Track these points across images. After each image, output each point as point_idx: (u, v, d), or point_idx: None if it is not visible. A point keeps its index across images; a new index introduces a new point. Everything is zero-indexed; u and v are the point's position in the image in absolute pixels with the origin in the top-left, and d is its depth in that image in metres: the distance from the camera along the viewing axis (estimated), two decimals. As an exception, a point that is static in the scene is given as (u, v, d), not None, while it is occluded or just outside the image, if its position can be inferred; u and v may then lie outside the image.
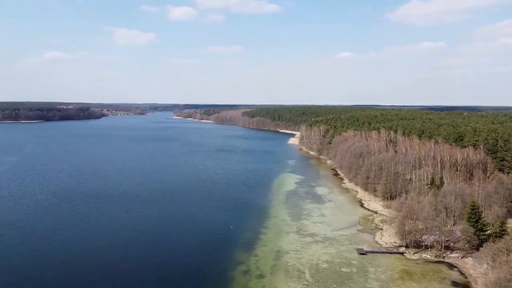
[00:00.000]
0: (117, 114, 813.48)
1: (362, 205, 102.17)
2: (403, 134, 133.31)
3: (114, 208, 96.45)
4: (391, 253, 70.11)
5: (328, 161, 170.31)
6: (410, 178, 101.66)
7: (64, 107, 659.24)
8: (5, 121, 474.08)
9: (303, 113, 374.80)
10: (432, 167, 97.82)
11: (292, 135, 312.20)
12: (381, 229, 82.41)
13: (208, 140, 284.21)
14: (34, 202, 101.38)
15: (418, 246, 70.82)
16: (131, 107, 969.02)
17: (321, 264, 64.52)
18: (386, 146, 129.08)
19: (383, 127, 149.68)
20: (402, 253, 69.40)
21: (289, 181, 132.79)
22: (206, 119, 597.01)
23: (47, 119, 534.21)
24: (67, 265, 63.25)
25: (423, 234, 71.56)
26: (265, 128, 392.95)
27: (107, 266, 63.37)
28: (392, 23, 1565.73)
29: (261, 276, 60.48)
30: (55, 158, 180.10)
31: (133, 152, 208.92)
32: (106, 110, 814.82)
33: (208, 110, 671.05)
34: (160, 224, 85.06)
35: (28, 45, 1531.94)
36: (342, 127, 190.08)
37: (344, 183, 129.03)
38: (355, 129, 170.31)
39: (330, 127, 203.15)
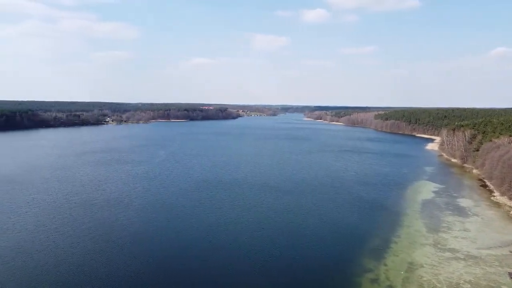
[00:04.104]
0: (251, 115, 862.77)
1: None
2: None
3: (246, 200, 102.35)
4: (557, 284, 58.19)
5: (474, 170, 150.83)
6: None
7: (206, 108, 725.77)
8: (159, 120, 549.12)
9: (445, 117, 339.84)
10: None
11: (431, 140, 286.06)
12: (543, 253, 69.15)
13: (338, 141, 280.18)
14: (179, 189, 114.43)
15: None
16: (264, 108, 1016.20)
17: (462, 284, 57.22)
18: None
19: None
20: None
21: (426, 189, 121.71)
22: (336, 121, 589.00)
23: (192, 118, 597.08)
24: (199, 249, 69.52)
25: None
26: (400, 132, 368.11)
27: (233, 256, 67.32)
28: None
29: (391, 287, 56.63)
30: (197, 153, 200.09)
31: (266, 150, 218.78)
32: (241, 110, 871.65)
33: (339, 112, 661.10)
34: (289, 217, 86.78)
35: (180, 53, 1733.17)
36: (494, 132, 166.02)
37: (494, 196, 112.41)
38: (510, 135, 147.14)
39: (478, 132, 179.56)
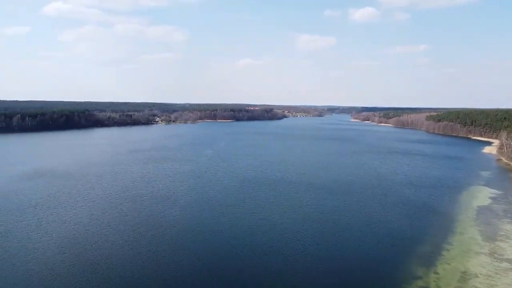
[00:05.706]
0: (297, 116, 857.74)
1: None
2: None
3: (291, 199, 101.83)
4: None
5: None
6: None
7: (252, 108, 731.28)
8: (206, 120, 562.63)
9: (505, 118, 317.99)
10: None
11: (488, 143, 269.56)
12: None
13: (387, 143, 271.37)
14: (224, 188, 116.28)
15: None
16: (310, 109, 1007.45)
17: (522, 297, 53.31)
18: None
19: None
20: None
21: (482, 195, 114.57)
22: (385, 123, 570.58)
23: (237, 119, 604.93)
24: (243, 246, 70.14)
25: None
26: (453, 134, 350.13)
27: (275, 256, 67.01)
28: None
29: (441, 296, 53.92)
30: (243, 152, 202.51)
31: (312, 151, 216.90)
32: (287, 111, 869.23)
33: (388, 113, 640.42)
34: (334, 218, 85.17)
35: (226, 54, 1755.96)
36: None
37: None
38: None
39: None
